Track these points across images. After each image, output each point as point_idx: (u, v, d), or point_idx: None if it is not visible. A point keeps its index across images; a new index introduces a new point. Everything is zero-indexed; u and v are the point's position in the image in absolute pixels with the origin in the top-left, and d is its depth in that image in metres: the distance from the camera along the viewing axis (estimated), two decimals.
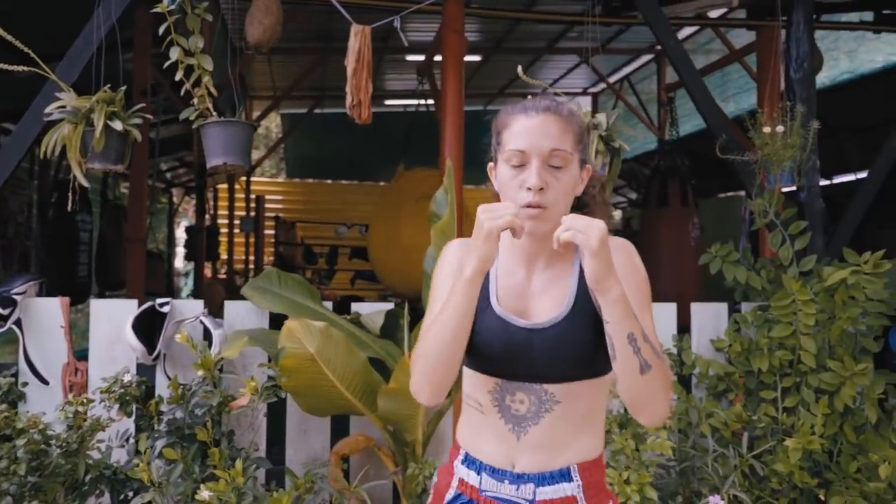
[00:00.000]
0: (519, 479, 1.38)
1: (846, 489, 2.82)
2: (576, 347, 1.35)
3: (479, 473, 1.42)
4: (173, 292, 11.10)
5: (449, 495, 1.47)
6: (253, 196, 11.05)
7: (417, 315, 2.64)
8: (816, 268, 3.12)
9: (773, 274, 3.27)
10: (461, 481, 1.45)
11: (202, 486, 2.25)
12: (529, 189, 1.33)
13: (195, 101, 2.84)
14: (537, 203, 1.33)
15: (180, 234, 13.52)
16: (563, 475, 1.38)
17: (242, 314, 3.05)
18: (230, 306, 3.08)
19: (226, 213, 11.16)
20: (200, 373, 2.55)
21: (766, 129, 3.09)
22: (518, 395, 1.38)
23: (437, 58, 4.98)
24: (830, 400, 2.89)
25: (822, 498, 2.84)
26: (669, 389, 1.32)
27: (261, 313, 3.06)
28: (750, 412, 2.99)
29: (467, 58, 4.38)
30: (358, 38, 3.03)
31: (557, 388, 1.37)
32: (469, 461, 1.45)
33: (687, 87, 3.44)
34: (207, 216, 10.02)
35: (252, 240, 10.92)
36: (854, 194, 3.53)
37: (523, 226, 1.30)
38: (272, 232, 10.79)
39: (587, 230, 1.23)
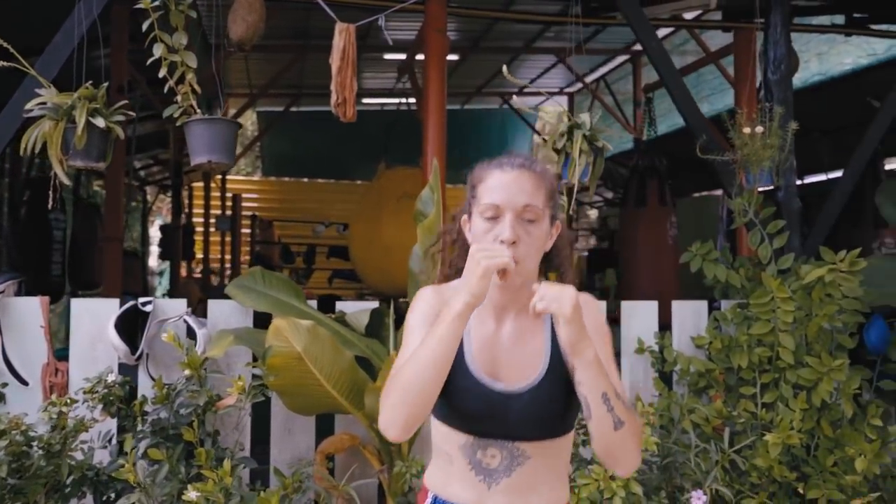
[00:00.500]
0: None
1: (824, 482, 2.88)
2: (550, 409, 1.40)
3: None
4: (148, 291, 10.94)
5: None
6: (229, 194, 10.93)
7: (401, 314, 2.64)
8: (794, 266, 3.18)
9: (751, 272, 3.33)
10: None
11: (189, 486, 2.23)
12: (503, 242, 1.37)
13: (178, 98, 2.81)
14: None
15: (154, 233, 13.34)
16: None
17: (227, 313, 3.03)
18: (214, 305, 3.05)
19: (201, 211, 11.03)
20: (186, 372, 2.53)
21: (746, 130, 3.14)
22: (490, 451, 1.41)
23: (419, 56, 4.98)
24: (808, 395, 2.96)
25: (801, 491, 2.90)
26: (640, 441, 1.39)
27: (245, 312, 3.04)
28: (730, 408, 3.05)
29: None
30: (343, 37, 3.03)
31: (529, 446, 1.41)
32: None
33: (667, 88, 3.49)
34: (183, 215, 9.90)
35: (228, 239, 10.80)
36: (827, 194, 3.60)
37: (513, 269, 1.33)
38: (248, 231, 10.69)
39: (560, 299, 1.28)
